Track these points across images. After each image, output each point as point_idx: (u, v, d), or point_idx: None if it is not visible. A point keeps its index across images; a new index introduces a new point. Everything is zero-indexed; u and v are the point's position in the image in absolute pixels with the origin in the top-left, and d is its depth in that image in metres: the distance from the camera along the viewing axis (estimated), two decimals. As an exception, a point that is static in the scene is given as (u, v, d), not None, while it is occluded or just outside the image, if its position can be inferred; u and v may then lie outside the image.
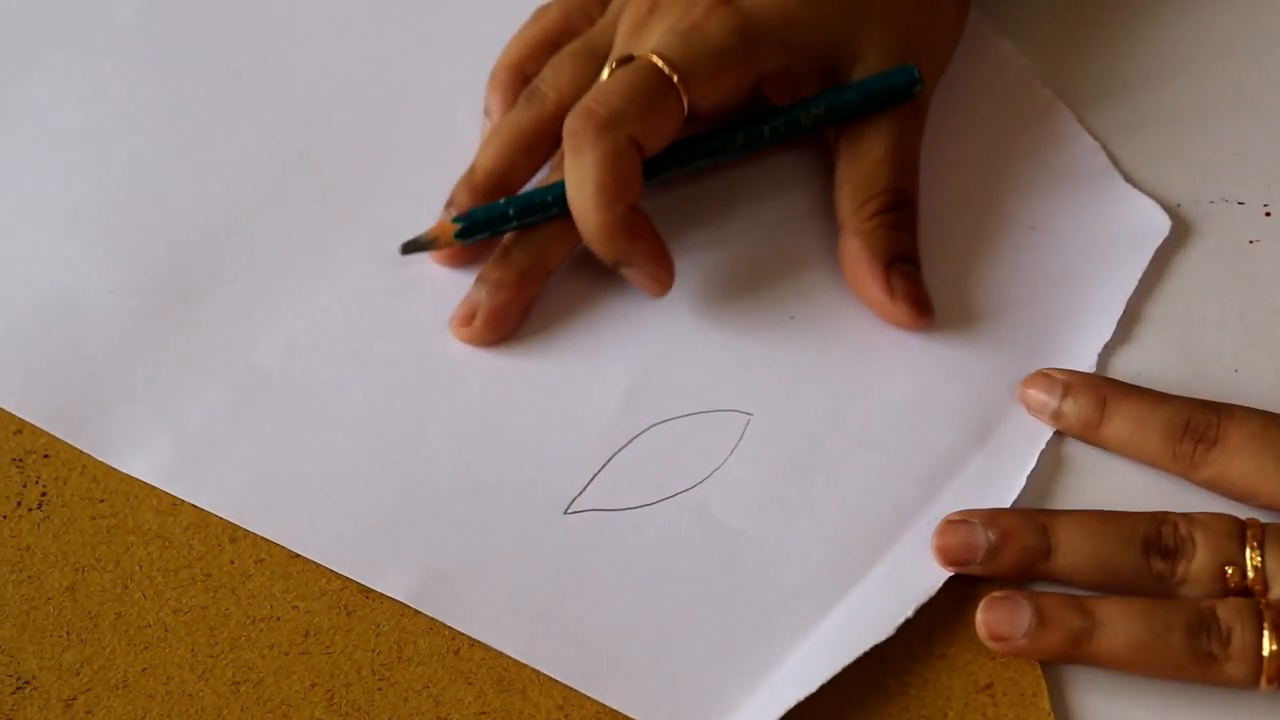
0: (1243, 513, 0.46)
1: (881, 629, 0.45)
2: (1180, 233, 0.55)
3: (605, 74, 0.52)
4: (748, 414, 0.51)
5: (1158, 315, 0.53)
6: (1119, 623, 0.44)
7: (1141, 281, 0.53)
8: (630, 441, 0.50)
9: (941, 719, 0.45)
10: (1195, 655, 0.44)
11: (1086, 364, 0.51)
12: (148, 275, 0.55)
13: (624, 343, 0.53)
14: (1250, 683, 0.44)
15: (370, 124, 0.59)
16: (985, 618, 0.46)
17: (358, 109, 0.60)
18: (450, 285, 0.54)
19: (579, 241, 0.53)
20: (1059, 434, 0.50)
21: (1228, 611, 0.44)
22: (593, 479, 0.49)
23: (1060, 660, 0.45)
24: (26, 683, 0.47)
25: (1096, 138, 0.57)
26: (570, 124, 0.51)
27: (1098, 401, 0.49)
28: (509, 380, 0.52)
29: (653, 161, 0.52)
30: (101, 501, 0.50)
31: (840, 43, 0.54)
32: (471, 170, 0.55)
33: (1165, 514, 0.46)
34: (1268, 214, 0.55)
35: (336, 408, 0.52)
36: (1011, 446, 0.49)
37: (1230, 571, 0.45)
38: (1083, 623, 0.44)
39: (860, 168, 0.53)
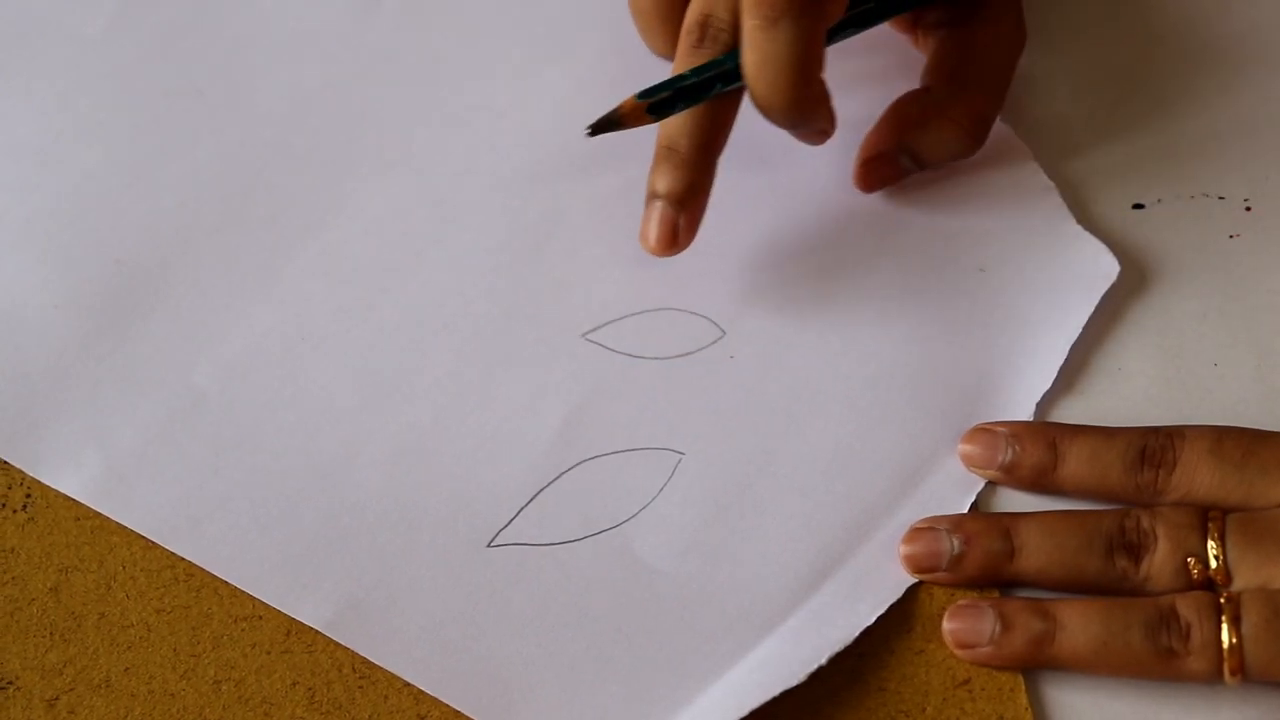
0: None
1: (794, 675, 0.45)
2: (1161, 228, 0.55)
3: None
4: (680, 453, 0.50)
5: (1138, 315, 0.53)
6: (1079, 624, 0.44)
7: (1126, 283, 0.53)
8: (560, 476, 0.50)
9: (920, 714, 0.46)
10: (1156, 652, 0.44)
11: (1025, 413, 0.50)
12: (93, 292, 0.55)
13: (563, 375, 0.52)
14: (1213, 677, 0.44)
15: (327, 145, 0.58)
16: (951, 626, 0.46)
17: (316, 130, 0.59)
18: (392, 310, 0.54)
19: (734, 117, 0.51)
20: (990, 485, 0.49)
21: (1187, 607, 0.44)
22: (519, 513, 0.49)
23: (1026, 664, 0.45)
24: (10, 683, 0.47)
25: (1075, 132, 0.57)
26: None
27: (1048, 445, 0.48)
28: (444, 409, 0.52)
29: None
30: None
31: None
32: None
33: (1128, 509, 0.47)
34: (1248, 209, 0.55)
35: (269, 432, 0.51)
36: (942, 497, 0.49)
37: (1192, 563, 0.45)
38: (1044, 625, 0.45)
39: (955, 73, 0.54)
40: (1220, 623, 0.44)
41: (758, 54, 0.48)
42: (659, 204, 0.51)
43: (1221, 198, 0.55)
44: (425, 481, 0.50)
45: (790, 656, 0.46)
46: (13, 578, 0.49)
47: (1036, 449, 0.48)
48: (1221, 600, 0.44)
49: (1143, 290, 0.53)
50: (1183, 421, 0.49)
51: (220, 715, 0.46)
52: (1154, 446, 0.47)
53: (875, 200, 0.55)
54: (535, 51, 0.61)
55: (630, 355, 0.53)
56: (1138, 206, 0.55)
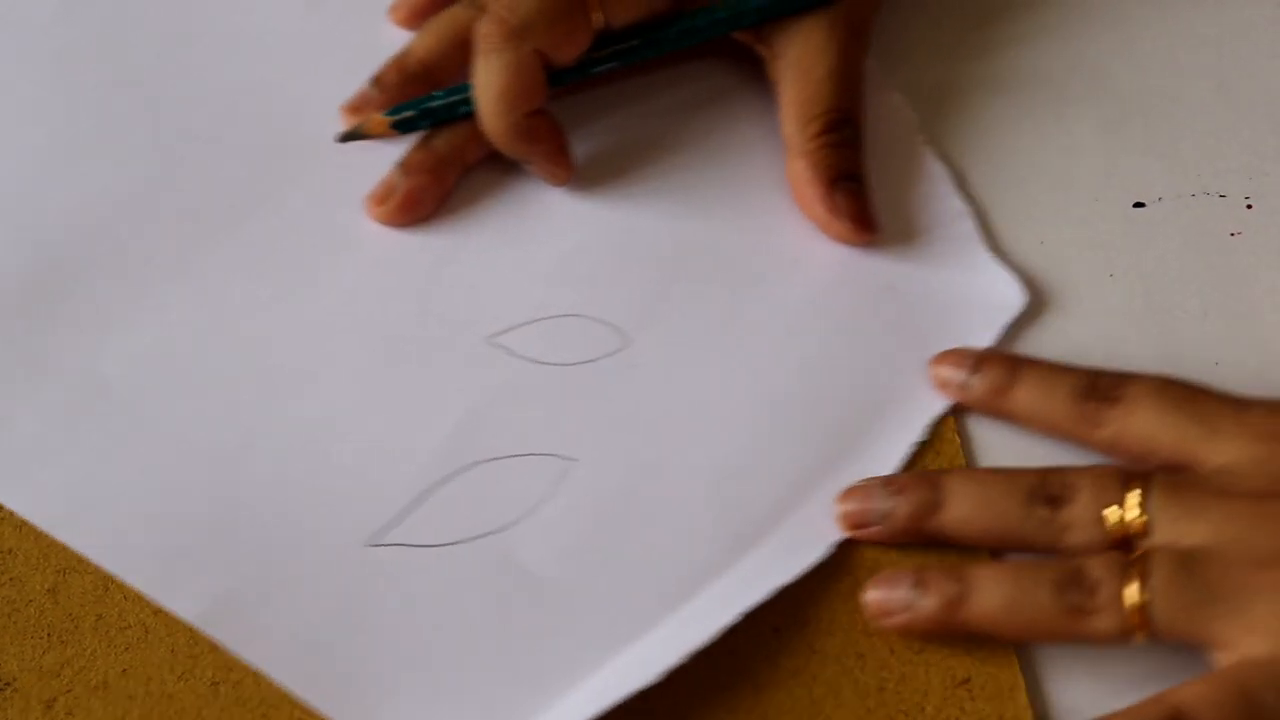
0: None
1: (648, 674, 0.45)
2: (1162, 226, 0.55)
3: None
4: (571, 460, 0.50)
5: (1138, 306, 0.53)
6: (991, 584, 0.45)
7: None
8: (449, 477, 0.50)
9: (919, 713, 0.45)
10: (1064, 610, 0.44)
11: (915, 433, 0.50)
12: (8, 274, 0.55)
13: (464, 377, 0.52)
14: (1121, 634, 0.44)
15: (258, 140, 0.59)
16: (870, 596, 0.46)
17: (249, 124, 0.59)
18: (304, 306, 0.54)
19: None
20: None
21: (1096, 565, 0.44)
22: (404, 513, 0.49)
23: (942, 628, 0.45)
24: (7, 684, 0.47)
25: (1077, 131, 0.57)
26: (481, 28, 0.53)
27: (1008, 369, 0.50)
28: (342, 405, 0.52)
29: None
30: (83, 504, 0.51)
31: None
32: (405, 54, 0.58)
33: (1054, 467, 0.47)
34: (1249, 206, 0.55)
35: (169, 422, 0.51)
36: (827, 514, 0.48)
37: (1110, 513, 0.45)
38: (958, 588, 0.45)
39: (803, 88, 0.54)
40: (1127, 580, 0.44)
41: (475, 82, 0.54)
42: (397, 173, 0.56)
43: (1222, 196, 0.55)
44: (314, 478, 0.50)
45: (649, 660, 0.46)
46: (10, 579, 0.49)
47: (998, 371, 0.50)
48: (1133, 557, 0.44)
49: (1143, 289, 0.53)
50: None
51: (218, 717, 0.46)
52: (1104, 382, 0.48)
53: (788, 213, 0.55)
54: None
55: (532, 360, 0.53)
56: (1138, 205, 0.55)
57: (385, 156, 0.57)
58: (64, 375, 0.53)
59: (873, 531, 0.48)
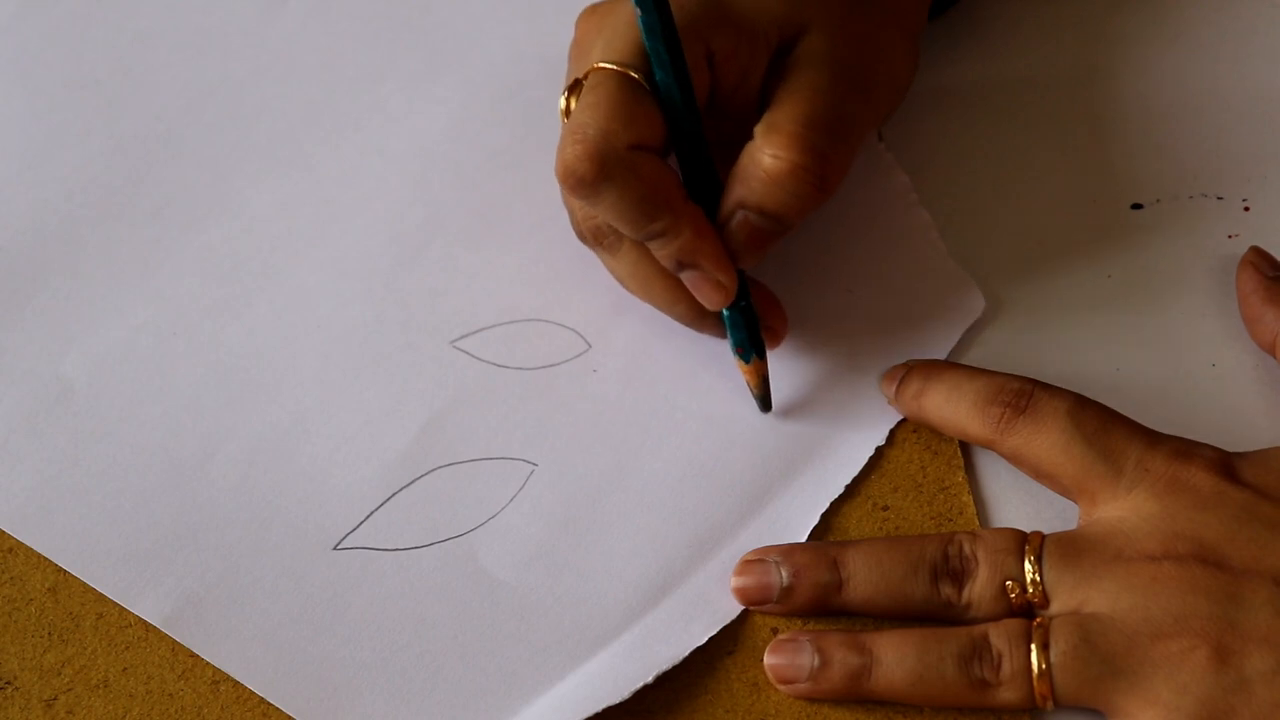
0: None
1: (620, 691, 0.45)
2: (1160, 228, 0.55)
3: (562, 105, 0.49)
4: (533, 464, 0.50)
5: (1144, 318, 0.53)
6: (895, 657, 0.45)
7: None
8: (412, 482, 0.50)
9: (919, 714, 0.45)
10: (970, 684, 0.44)
11: (877, 439, 0.50)
12: None
13: (427, 382, 0.52)
14: (1027, 704, 0.44)
15: (219, 142, 0.59)
16: (771, 662, 0.46)
17: (209, 125, 0.59)
18: (266, 309, 0.54)
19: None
20: (834, 506, 0.49)
21: (999, 636, 0.44)
22: (368, 517, 0.49)
23: (845, 698, 0.45)
24: (8, 683, 0.47)
25: (1075, 134, 0.57)
26: (563, 174, 0.47)
27: (923, 375, 0.50)
28: (306, 409, 0.52)
29: None
30: (83, 503, 0.51)
31: (784, 17, 0.50)
32: None
33: (951, 534, 0.47)
34: (1246, 209, 0.55)
35: (132, 425, 0.52)
36: (786, 519, 0.49)
37: (1011, 586, 0.45)
38: (860, 660, 0.45)
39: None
40: (1030, 650, 0.44)
41: (607, 216, 0.48)
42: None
43: (1220, 198, 0.55)
44: (279, 481, 0.50)
45: (619, 673, 0.46)
46: (11, 578, 0.49)
47: (915, 377, 0.50)
48: (1035, 625, 0.44)
49: (1142, 290, 0.53)
50: (1182, 422, 0.49)
51: (218, 715, 0.46)
52: (1013, 388, 0.48)
53: None
54: (432, 60, 0.61)
55: (495, 364, 0.53)
56: (1136, 207, 0.55)
57: (342, 161, 0.57)
58: (28, 378, 0.53)
59: (770, 608, 0.47)
